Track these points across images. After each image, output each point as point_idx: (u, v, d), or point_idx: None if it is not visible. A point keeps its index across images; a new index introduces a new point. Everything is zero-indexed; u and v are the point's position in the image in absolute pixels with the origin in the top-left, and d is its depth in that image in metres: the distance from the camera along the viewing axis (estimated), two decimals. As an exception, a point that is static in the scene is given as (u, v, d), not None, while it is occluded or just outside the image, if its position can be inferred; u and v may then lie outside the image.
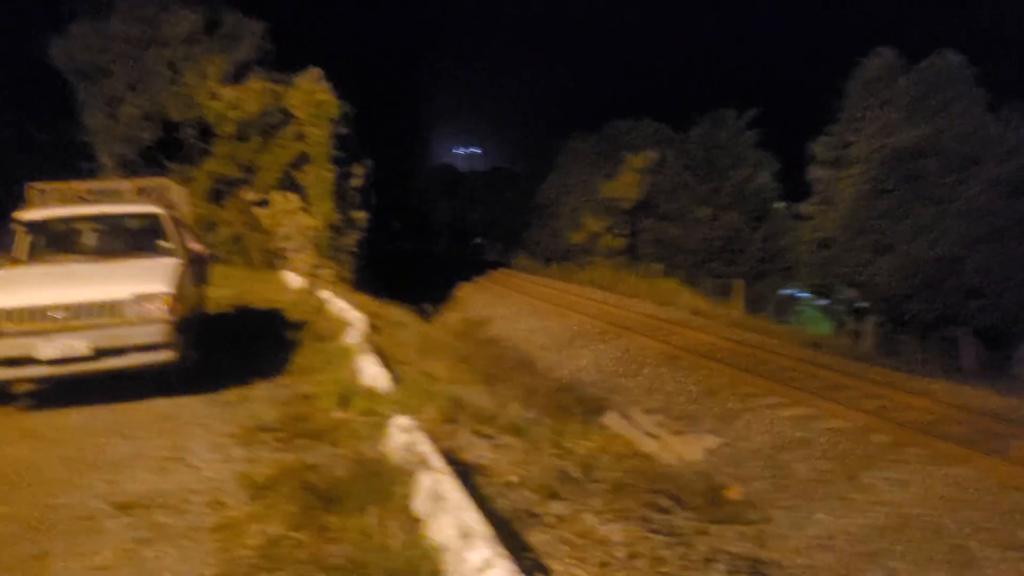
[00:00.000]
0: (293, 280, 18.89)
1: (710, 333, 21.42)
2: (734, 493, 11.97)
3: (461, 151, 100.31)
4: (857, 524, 10.21)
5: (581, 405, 15.34)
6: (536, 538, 5.23)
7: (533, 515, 5.67)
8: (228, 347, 10.32)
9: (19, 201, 10.22)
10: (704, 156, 37.37)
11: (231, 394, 7.89)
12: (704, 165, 37.29)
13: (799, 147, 31.59)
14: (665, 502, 9.23)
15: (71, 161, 24.52)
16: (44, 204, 9.90)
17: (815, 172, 30.17)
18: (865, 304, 25.71)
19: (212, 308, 12.92)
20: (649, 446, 13.72)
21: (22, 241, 8.53)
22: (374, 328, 13.27)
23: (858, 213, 25.18)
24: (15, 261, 8.26)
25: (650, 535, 6.69)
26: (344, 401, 7.24)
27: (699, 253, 35.44)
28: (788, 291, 34.93)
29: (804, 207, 30.96)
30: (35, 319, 6.91)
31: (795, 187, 34.08)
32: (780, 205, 36.84)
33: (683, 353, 18.83)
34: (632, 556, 5.67)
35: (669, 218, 37.56)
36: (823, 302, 30.05)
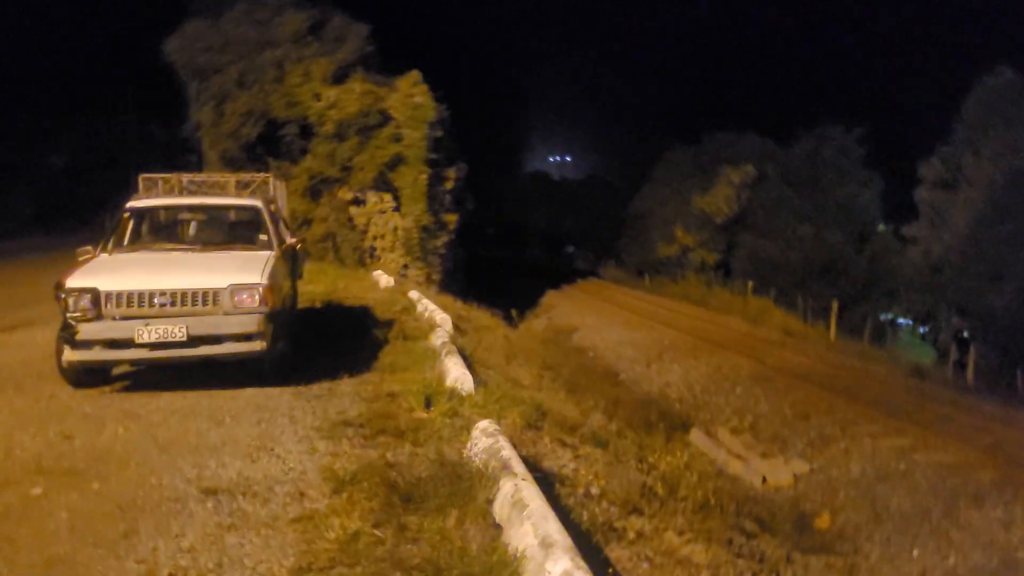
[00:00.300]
0: (382, 279, 19.13)
1: (806, 354, 20.78)
2: (824, 522, 11.51)
3: (555, 159, 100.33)
4: (958, 565, 9.68)
5: (666, 420, 15.05)
6: (616, 553, 5.08)
7: (614, 529, 5.51)
8: (317, 341, 10.49)
9: (134, 190, 10.68)
10: (808, 173, 36.24)
11: (319, 388, 7.98)
12: (808, 182, 36.17)
13: (903, 167, 30.43)
14: (750, 526, 8.92)
15: (180, 155, 25.59)
16: (151, 194, 10.30)
17: (923, 194, 28.95)
18: (972, 334, 24.43)
19: (304, 303, 13.20)
20: (735, 467, 13.34)
21: (128, 227, 8.85)
22: (460, 330, 13.30)
23: (975, 237, 23.95)
24: (121, 246, 8.57)
25: (734, 559, 6.45)
26: (428, 401, 7.22)
27: (797, 272, 34.36)
28: (887, 316, 33.59)
29: (911, 229, 29.73)
30: (137, 304, 7.14)
31: (898, 208, 32.84)
32: (884, 227, 35.50)
33: (777, 374, 18.31)
34: (715, 580, 5.47)
35: (767, 235, 36.58)
36: (924, 329, 28.74)
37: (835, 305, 27.67)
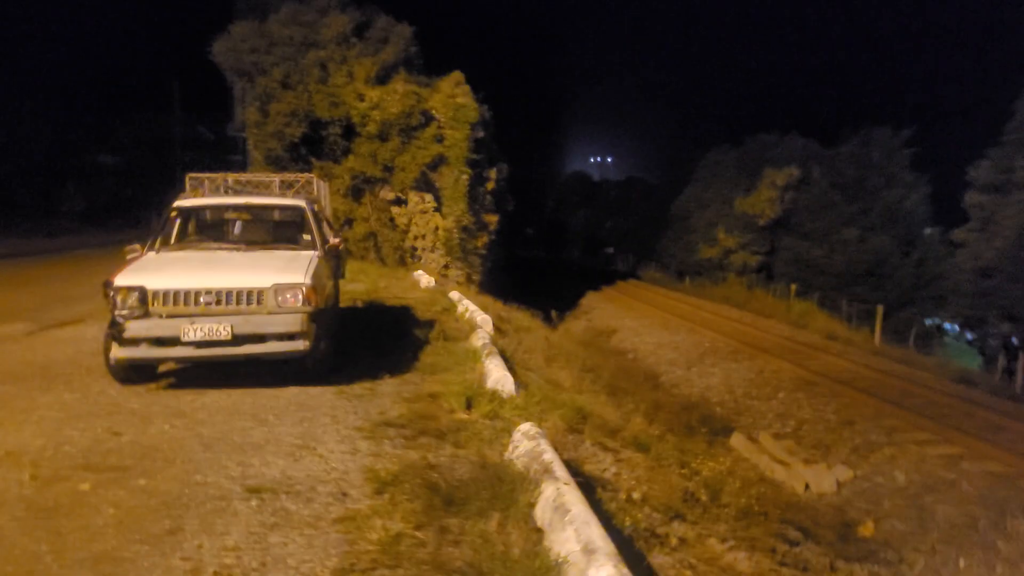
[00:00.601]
0: (423, 279, 19.22)
1: (850, 360, 20.41)
2: (868, 530, 11.31)
3: (596, 160, 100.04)
4: (1005, 576, 9.44)
5: (708, 425, 14.91)
6: (659, 560, 5.02)
7: (656, 536, 5.46)
8: (359, 341, 10.55)
9: (181, 189, 10.86)
10: (855, 175, 35.60)
11: (360, 387, 8.01)
12: (853, 184, 35.53)
13: (951, 170, 29.83)
14: (794, 533, 8.80)
15: (226, 155, 25.99)
16: (198, 193, 10.44)
17: (973, 197, 28.31)
18: (1020, 340, 23.80)
19: (346, 302, 13.29)
20: (778, 473, 13.16)
21: (175, 226, 8.98)
22: (501, 331, 13.29)
23: (1026, 242, 23.37)
24: (168, 245, 8.70)
25: (778, 567, 6.36)
26: (469, 403, 7.22)
27: (842, 276, 33.78)
28: (933, 321, 32.89)
29: (959, 233, 29.08)
30: (182, 302, 7.23)
31: (946, 212, 32.18)
32: (931, 230, 34.75)
33: (821, 379, 18.01)
34: (760, 589, 5.38)
35: (811, 237, 36.02)
36: (971, 335, 28.09)
37: (880, 310, 27.17)
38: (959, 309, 27.69)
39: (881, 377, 18.29)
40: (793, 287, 33.60)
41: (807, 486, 12.79)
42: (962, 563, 9.97)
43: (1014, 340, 24.40)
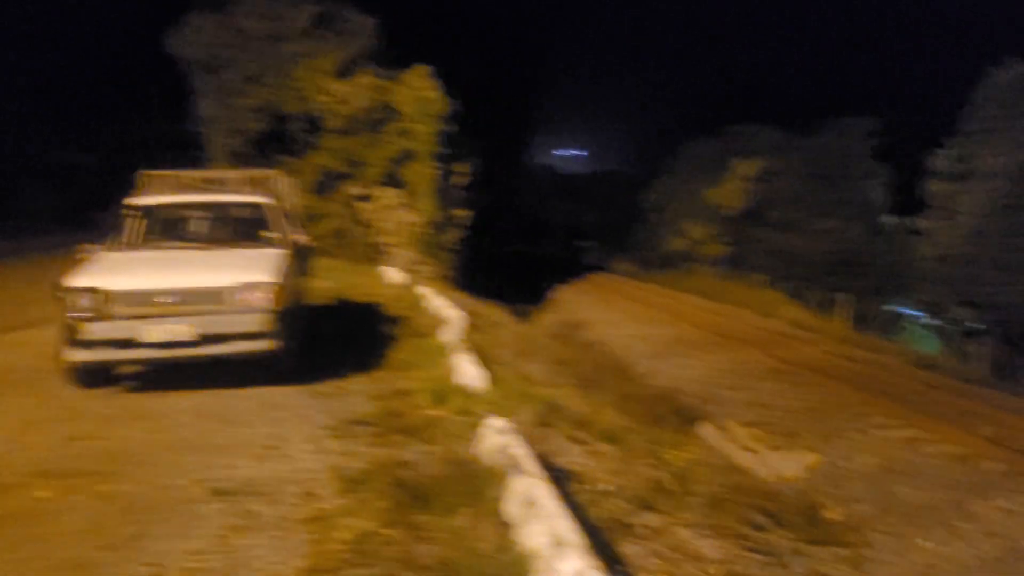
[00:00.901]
0: (393, 275, 19.13)
1: (817, 347, 20.70)
2: (833, 514, 11.46)
3: (566, 153, 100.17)
4: (965, 554, 9.65)
5: (678, 415, 14.98)
6: (629, 550, 5.05)
7: (626, 526, 5.49)
8: (328, 339, 10.46)
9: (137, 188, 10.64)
10: (822, 165, 36.06)
11: (328, 386, 7.95)
12: (820, 175, 36.00)
13: (910, 159, 30.27)
14: (761, 519, 8.87)
15: (185, 150, 25.61)
16: (155, 191, 10.24)
17: (934, 186, 28.77)
18: (980, 326, 24.30)
19: (313, 300, 13.18)
20: (746, 460, 13.28)
21: (131, 226, 8.80)
22: (471, 327, 13.25)
23: (986, 229, 23.79)
24: (125, 245, 8.53)
25: (745, 553, 6.42)
26: (439, 399, 7.19)
27: (810, 265, 34.21)
28: (896, 307, 33.44)
29: (921, 222, 29.56)
30: (142, 303, 7.10)
31: (906, 200, 32.69)
32: (893, 219, 35.30)
33: (788, 367, 18.23)
34: (727, 574, 5.43)
35: (780, 228, 36.42)
36: (934, 321, 28.60)
37: (846, 297, 27.54)
38: (921, 296, 28.16)
39: (847, 364, 18.56)
40: (763, 277, 33.96)
41: (775, 472, 12.94)
42: (924, 544, 10.17)
43: (974, 324, 24.90)
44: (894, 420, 13.99)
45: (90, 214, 36.01)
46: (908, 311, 32.79)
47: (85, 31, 44.77)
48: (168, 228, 9.27)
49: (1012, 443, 12.31)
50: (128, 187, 10.25)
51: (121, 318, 7.05)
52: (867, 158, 35.75)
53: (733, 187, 38.11)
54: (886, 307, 32.24)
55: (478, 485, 4.91)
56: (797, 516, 10.73)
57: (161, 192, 10.15)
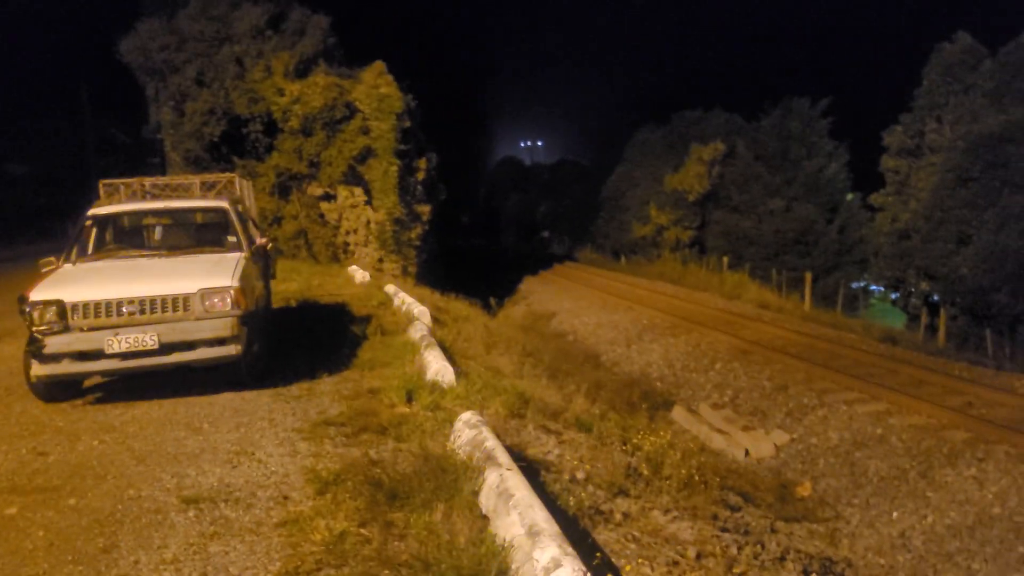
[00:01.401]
0: (358, 274, 19.02)
1: (782, 327, 20.94)
2: (805, 490, 11.67)
3: (527, 144, 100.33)
4: (935, 523, 9.86)
5: (649, 400, 15.14)
6: (604, 536, 5.09)
7: (600, 512, 5.53)
8: (295, 341, 10.40)
9: (97, 197, 10.50)
10: (777, 146, 36.44)
11: (297, 388, 7.91)
12: (777, 156, 36.38)
13: (868, 136, 30.69)
14: (735, 499, 9.01)
15: (144, 158, 25.22)
16: (114, 200, 10.12)
17: (888, 162, 29.24)
18: (940, 298, 24.76)
19: (278, 302, 13.08)
20: (717, 442, 13.45)
21: (92, 236, 8.69)
22: (439, 322, 13.25)
23: (939, 203, 24.23)
24: (85, 256, 8.42)
25: (720, 533, 6.50)
26: (409, 396, 7.19)
27: (771, 246, 34.61)
28: (859, 284, 33.94)
29: (876, 198, 30.02)
30: (104, 313, 7.01)
31: (865, 177, 33.12)
32: (852, 196, 35.80)
33: (755, 347, 18.44)
34: (702, 555, 5.50)
35: (740, 210, 36.79)
36: (895, 295, 29.08)
37: (808, 277, 27.89)
38: (881, 271, 28.54)
39: (811, 341, 18.82)
40: (725, 259, 34.26)
41: (746, 452, 13.11)
42: (895, 515, 10.37)
43: (935, 297, 25.34)
44: (860, 395, 14.22)
45: (31, 224, 35.25)
46: (872, 287, 33.31)
47: (13, 38, 43.70)
48: (129, 236, 9.19)
49: (976, 413, 12.57)
50: (63, 196, 10.14)
51: (85, 330, 6.96)
52: (820, 137, 36.17)
53: (693, 171, 38.38)
54: (851, 284, 32.72)
55: (452, 479, 4.92)
56: (770, 494, 10.94)
57: (120, 201, 10.03)
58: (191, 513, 4.76)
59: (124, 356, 6.99)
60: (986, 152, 23.04)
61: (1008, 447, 11.01)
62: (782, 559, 6.69)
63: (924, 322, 23.95)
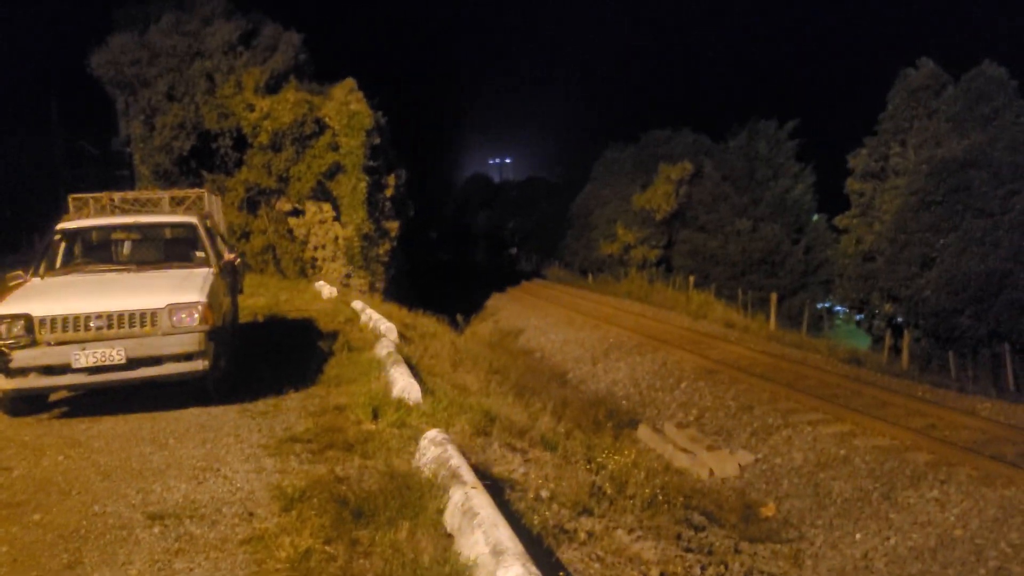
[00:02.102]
0: (325, 290, 18.97)
1: (748, 347, 21.15)
2: (769, 511, 11.79)
3: (496, 161, 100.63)
4: (898, 545, 9.99)
5: (614, 419, 15.22)
6: (568, 555, 5.14)
7: (565, 531, 5.58)
8: (261, 357, 10.36)
9: (66, 211, 10.43)
10: (744, 167, 36.97)
11: (264, 404, 7.90)
12: (744, 176, 36.90)
13: (835, 159, 31.23)
14: (698, 519, 9.10)
15: (113, 171, 24.99)
16: (83, 214, 10.07)
17: (853, 184, 29.76)
18: (903, 320, 25.17)
19: (245, 317, 13.01)
20: (682, 461, 13.55)
21: (60, 250, 8.65)
22: (406, 339, 13.26)
23: (903, 226, 24.67)
24: (53, 270, 8.37)
25: (684, 553, 6.58)
26: (375, 413, 7.21)
27: (737, 265, 35.02)
28: (824, 305, 34.41)
29: (841, 220, 30.52)
30: (71, 328, 6.98)
31: (831, 199, 33.68)
32: (817, 218, 36.36)
33: (720, 367, 18.61)
34: (666, 575, 5.57)
35: (707, 230, 37.20)
36: (859, 317, 29.51)
37: (774, 297, 28.23)
38: (845, 292, 28.93)
39: (776, 362, 19.03)
40: (691, 279, 34.59)
41: (711, 472, 13.23)
42: (858, 536, 10.50)
43: (898, 319, 25.74)
44: (824, 416, 14.38)
45: (8, 236, 34.63)
46: (837, 308, 33.76)
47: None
48: (97, 251, 9.16)
49: (938, 435, 12.72)
50: (28, 211, 10.09)
51: (52, 344, 6.92)
52: (787, 158, 36.78)
53: (661, 190, 38.75)
54: (816, 304, 33.16)
55: (417, 497, 4.95)
56: (734, 515, 11.04)
57: (88, 215, 9.98)
58: (156, 529, 4.75)
59: (91, 371, 6.96)
60: (949, 176, 23.54)
61: (970, 469, 11.14)
62: (745, 580, 6.78)
63: (888, 344, 24.31)
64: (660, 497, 8.03)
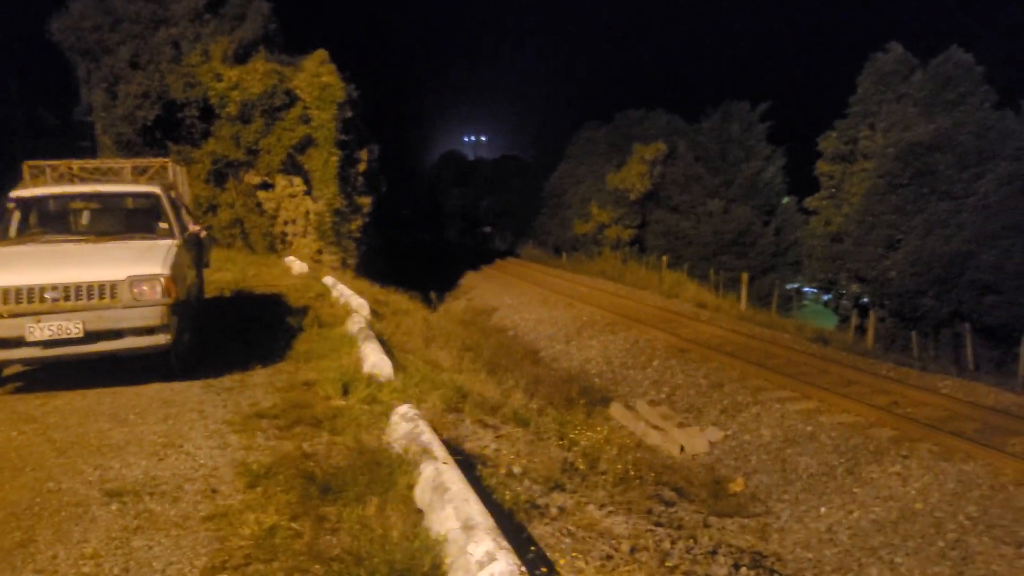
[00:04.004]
0: (295, 265, 18.73)
1: (718, 326, 21.27)
2: (737, 486, 11.87)
3: (470, 139, 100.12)
4: (861, 519, 10.11)
5: (587, 396, 15.20)
6: (539, 530, 5.08)
7: (536, 507, 5.52)
8: (228, 332, 10.18)
9: (20, 180, 10.09)
10: (717, 149, 37.09)
11: (230, 380, 7.73)
12: (717, 158, 37.03)
13: (805, 142, 31.44)
14: (669, 494, 9.13)
15: (74, 141, 24.39)
16: (40, 182, 9.75)
17: (823, 167, 29.99)
18: (869, 300, 25.49)
19: (212, 292, 12.78)
20: (653, 438, 13.60)
21: (15, 219, 8.35)
22: (378, 315, 13.12)
23: (870, 208, 24.95)
24: (6, 240, 8.08)
25: (654, 528, 6.57)
26: (346, 389, 7.08)
27: (709, 246, 35.21)
28: (794, 285, 34.75)
29: (811, 201, 30.77)
30: (27, 300, 6.73)
31: (801, 181, 33.94)
32: (788, 200, 36.64)
33: (692, 346, 18.69)
34: (636, 549, 5.54)
35: (680, 210, 37.30)
36: (827, 297, 29.86)
37: (744, 277, 28.42)
38: (814, 273, 29.26)
39: (746, 341, 19.16)
40: (664, 259, 34.72)
41: (681, 448, 13.28)
42: (823, 510, 10.62)
43: (864, 300, 26.07)
44: (792, 394, 14.53)
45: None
46: (806, 288, 34.13)
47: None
48: (54, 221, 8.85)
49: (901, 412, 12.95)
50: None
51: (5, 316, 6.67)
52: (758, 140, 36.96)
53: (635, 170, 38.75)
54: (786, 285, 33.47)
55: (387, 473, 4.85)
56: (704, 490, 11.10)
57: (46, 184, 9.66)
58: (114, 506, 4.60)
59: (47, 344, 6.73)
60: (915, 160, 23.80)
61: (931, 445, 11.37)
62: (714, 553, 6.78)
63: (854, 323, 24.59)
64: (631, 473, 8.02)
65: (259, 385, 7.58)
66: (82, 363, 7.20)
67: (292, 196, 23.50)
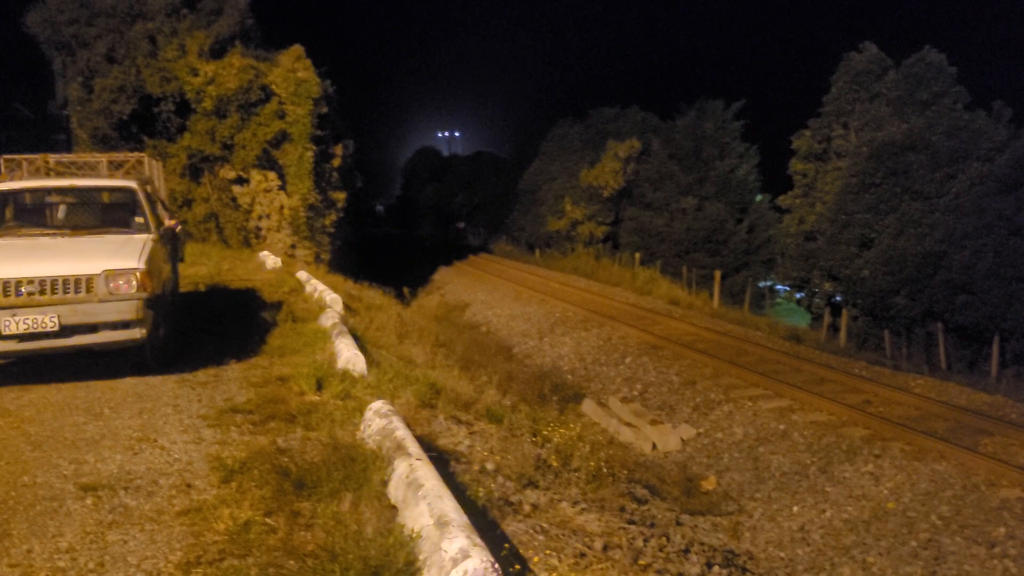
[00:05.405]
0: (270, 260, 18.66)
1: (691, 323, 21.42)
2: (710, 484, 12.00)
3: (445, 135, 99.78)
4: (833, 518, 10.25)
5: (559, 392, 15.31)
6: (513, 527, 5.14)
7: (509, 503, 5.58)
8: (202, 326, 10.15)
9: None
10: (691, 146, 37.30)
11: (204, 374, 7.74)
12: (690, 155, 37.24)
13: (779, 140, 31.68)
14: (641, 492, 9.22)
15: (48, 134, 24.13)
16: (15, 176, 9.68)
17: (797, 165, 30.26)
18: (842, 299, 25.78)
19: (187, 287, 12.73)
20: (626, 435, 13.70)
21: None
22: (352, 310, 13.13)
23: (843, 207, 25.20)
24: None
25: (626, 526, 6.64)
26: (320, 384, 7.12)
27: (682, 243, 35.40)
28: (766, 283, 35.02)
29: (784, 199, 31.03)
30: (2, 293, 6.71)
31: (775, 179, 34.21)
32: (761, 198, 36.93)
33: (665, 343, 18.81)
34: (609, 547, 5.61)
35: (653, 207, 37.48)
36: (800, 295, 30.13)
37: (717, 275, 28.63)
38: (787, 271, 29.47)
39: (719, 338, 19.32)
40: (637, 256, 34.88)
41: (654, 446, 13.40)
42: (795, 509, 10.75)
43: (837, 298, 26.36)
44: (765, 392, 14.66)
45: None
46: (779, 286, 34.41)
47: None
48: (30, 214, 8.81)
49: (874, 410, 13.07)
50: None
51: None
52: (732, 138, 37.22)
53: (609, 167, 38.87)
54: (759, 283, 33.73)
55: (361, 469, 4.90)
56: (676, 488, 11.22)
57: (21, 177, 9.59)
58: (89, 501, 4.61)
59: (22, 338, 6.71)
60: (888, 159, 24.07)
61: (903, 444, 11.48)
62: (686, 551, 6.86)
63: (827, 322, 24.87)
64: (604, 470, 8.10)
65: (233, 380, 7.60)
66: (57, 357, 7.17)
67: (267, 191, 23.38)
